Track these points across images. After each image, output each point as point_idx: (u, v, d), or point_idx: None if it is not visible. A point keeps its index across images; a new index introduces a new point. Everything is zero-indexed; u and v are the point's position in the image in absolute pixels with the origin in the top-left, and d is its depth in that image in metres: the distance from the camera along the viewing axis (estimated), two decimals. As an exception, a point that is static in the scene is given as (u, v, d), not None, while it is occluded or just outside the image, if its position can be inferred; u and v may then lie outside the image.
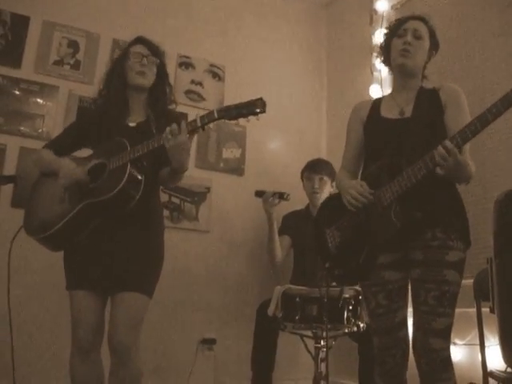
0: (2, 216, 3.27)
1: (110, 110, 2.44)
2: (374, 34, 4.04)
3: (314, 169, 3.64)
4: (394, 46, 2.32)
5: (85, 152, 2.50)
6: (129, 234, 2.30)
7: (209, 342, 3.64)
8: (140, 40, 2.53)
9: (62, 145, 2.51)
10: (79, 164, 2.37)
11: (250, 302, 3.64)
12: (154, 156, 2.28)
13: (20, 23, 3.59)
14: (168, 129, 2.14)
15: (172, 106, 2.61)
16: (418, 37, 2.27)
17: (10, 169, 3.33)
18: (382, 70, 3.79)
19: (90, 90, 3.56)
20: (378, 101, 2.46)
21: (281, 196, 3.47)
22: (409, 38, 2.26)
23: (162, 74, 2.54)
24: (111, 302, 2.28)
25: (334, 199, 2.46)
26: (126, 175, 2.19)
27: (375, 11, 4.08)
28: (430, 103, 2.24)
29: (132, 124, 2.45)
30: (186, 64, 4.04)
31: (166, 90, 2.56)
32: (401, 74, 2.33)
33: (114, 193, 2.17)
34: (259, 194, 3.52)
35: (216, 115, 2.15)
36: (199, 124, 2.16)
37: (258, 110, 2.12)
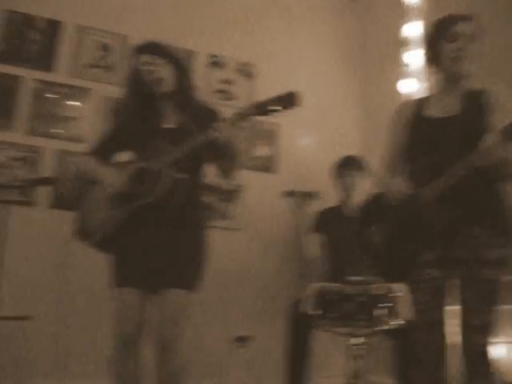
0: (41, 217, 3.36)
1: (144, 116, 2.47)
2: (404, 26, 3.97)
3: (346, 166, 3.61)
4: (444, 51, 2.24)
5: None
6: (173, 232, 2.35)
7: (242, 340, 3.66)
8: (140, 50, 2.46)
9: (103, 150, 2.56)
10: (121, 169, 2.42)
11: (283, 300, 3.63)
12: (196, 154, 2.31)
13: (52, 28, 3.68)
14: (212, 126, 2.17)
15: (198, 96, 2.59)
16: (469, 41, 2.20)
17: (46, 171, 3.42)
18: (413, 63, 3.74)
19: (122, 92, 3.64)
20: (423, 100, 2.43)
21: (310, 195, 3.46)
22: (461, 43, 2.17)
23: (178, 68, 2.49)
24: (157, 298, 2.34)
25: (375, 198, 2.45)
26: (168, 176, 2.24)
27: (405, 3, 4.01)
28: (476, 104, 2.20)
29: (168, 126, 2.47)
30: (215, 63, 4.05)
31: (188, 83, 2.53)
32: (451, 78, 2.29)
33: (157, 194, 2.23)
34: (288, 194, 3.51)
35: (248, 111, 2.16)
36: (232, 121, 2.18)
37: (292, 104, 2.11)
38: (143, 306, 2.37)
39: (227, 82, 4.05)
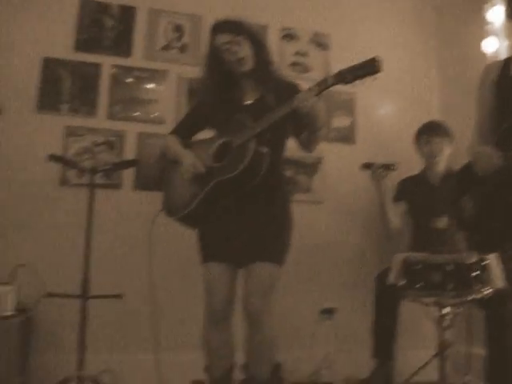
0: (126, 199, 3.50)
1: (225, 94, 2.48)
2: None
3: (432, 131, 3.49)
4: None
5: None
6: (258, 206, 2.39)
7: (328, 312, 3.66)
8: (216, 29, 2.46)
9: (186, 130, 2.63)
10: (203, 146, 2.47)
11: (368, 271, 3.60)
12: (278, 127, 2.30)
13: (127, 14, 3.75)
14: (297, 96, 2.16)
15: (276, 71, 2.57)
16: None
17: (129, 154, 3.54)
18: (496, 22, 3.54)
19: (198, 72, 3.67)
20: (509, 59, 2.31)
21: (388, 167, 3.37)
22: None
23: (256, 44, 2.48)
24: (245, 272, 2.39)
25: (467, 166, 2.36)
26: (251, 150, 2.25)
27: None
28: None
29: (249, 102, 2.48)
30: (289, 36, 4.00)
31: (267, 59, 2.52)
32: None
33: (240, 169, 2.25)
34: (366, 166, 3.44)
35: (330, 81, 2.13)
36: (315, 91, 2.15)
37: (376, 70, 2.06)
38: (231, 280, 2.43)
39: (301, 54, 4.00)
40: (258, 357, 2.41)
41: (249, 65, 2.43)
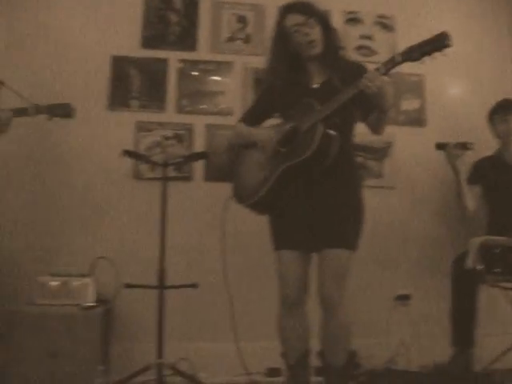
0: (197, 190, 3.58)
1: (292, 78, 2.46)
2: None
3: (507, 109, 3.35)
4: None
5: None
6: (329, 191, 2.36)
7: (403, 298, 3.61)
8: (288, 10, 2.42)
9: (254, 117, 2.62)
10: (273, 131, 2.46)
11: (443, 257, 3.52)
12: (344, 111, 2.28)
13: (191, 8, 3.81)
14: (364, 76, 2.12)
15: (344, 52, 2.53)
16: None
17: (198, 146, 3.60)
18: None
19: (263, 61, 3.68)
20: None
21: (464, 146, 3.26)
22: None
23: (326, 28, 2.43)
24: (318, 258, 2.38)
25: None
26: (319, 134, 2.22)
27: None
28: None
29: (315, 85, 2.45)
30: (353, 20, 3.94)
31: (336, 43, 2.47)
32: None
33: (309, 153, 2.23)
34: (440, 146, 3.34)
35: (398, 58, 2.08)
36: (382, 71, 2.12)
37: (445, 45, 1.99)
38: (304, 266, 2.42)
39: (366, 37, 3.93)
40: (333, 344, 2.40)
41: (319, 48, 2.39)
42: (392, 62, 2.10)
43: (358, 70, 2.31)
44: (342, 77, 2.34)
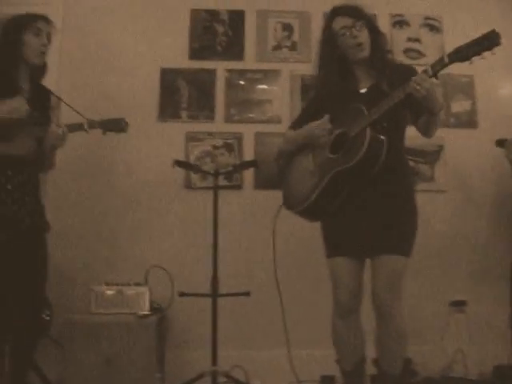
0: (247, 198, 3.62)
1: (339, 82, 2.45)
2: None
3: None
4: None
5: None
6: (382, 196, 2.34)
7: (459, 304, 3.52)
8: (336, 12, 2.42)
9: (303, 124, 2.59)
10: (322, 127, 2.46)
11: (499, 261, 3.44)
12: (393, 114, 2.26)
13: (236, 18, 3.86)
14: (412, 79, 2.09)
15: (390, 57, 2.52)
16: None
17: (248, 154, 3.64)
18: None
19: (310, 68, 3.68)
20: None
21: None
22: None
23: (373, 31, 2.42)
24: (371, 265, 2.36)
25: None
26: (368, 139, 2.21)
27: None
28: None
29: (363, 90, 2.44)
30: (400, 22, 3.90)
31: (383, 46, 2.46)
32: None
33: (358, 158, 2.21)
34: (500, 143, 3.26)
35: (447, 59, 2.04)
36: (431, 73, 2.08)
37: (493, 43, 1.94)
38: (358, 272, 2.40)
39: (414, 39, 3.88)
40: (388, 352, 2.37)
41: (366, 51, 2.38)
42: (440, 64, 2.06)
43: (408, 73, 2.28)
44: (389, 80, 2.32)
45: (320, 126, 2.42)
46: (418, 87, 2.08)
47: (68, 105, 2.73)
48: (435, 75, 2.09)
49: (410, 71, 2.34)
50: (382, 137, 2.24)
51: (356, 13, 2.39)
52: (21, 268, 2.52)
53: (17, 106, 2.46)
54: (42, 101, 2.66)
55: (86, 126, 2.66)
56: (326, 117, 2.41)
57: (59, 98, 2.77)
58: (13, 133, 2.47)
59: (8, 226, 2.47)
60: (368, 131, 2.22)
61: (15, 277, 2.51)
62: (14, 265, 2.50)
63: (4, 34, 2.54)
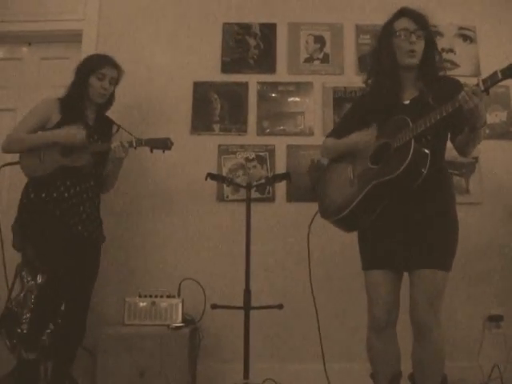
0: (280, 211, 3.60)
1: (384, 90, 2.42)
2: None
3: None
4: None
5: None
6: (421, 209, 2.30)
7: (496, 319, 3.46)
8: (404, 12, 2.39)
9: (344, 131, 2.57)
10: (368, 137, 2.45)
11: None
12: (437, 128, 2.23)
13: (268, 31, 3.88)
14: (462, 94, 2.05)
15: (442, 73, 2.48)
16: None
17: (280, 167, 3.63)
18: None
19: (342, 80, 3.71)
20: None
21: None
22: None
23: (430, 44, 2.39)
24: (410, 279, 2.32)
25: None
26: (411, 151, 2.17)
27: None
28: None
29: (407, 101, 2.41)
30: (433, 33, 3.86)
31: (435, 61, 2.42)
32: None
33: (400, 170, 2.18)
34: None
35: (500, 75, 1.97)
36: (482, 88, 2.03)
37: None
38: (395, 286, 2.37)
39: (448, 50, 3.84)
40: (425, 368, 2.30)
41: (416, 59, 2.35)
42: (493, 80, 2.00)
43: (454, 86, 2.25)
44: (434, 92, 2.29)
45: (367, 136, 2.41)
46: (468, 101, 2.04)
47: (124, 129, 3.17)
48: (486, 91, 2.04)
49: (455, 85, 2.31)
50: (426, 150, 2.21)
51: (422, 20, 2.37)
52: (84, 276, 2.95)
53: (74, 132, 2.90)
54: (104, 128, 3.13)
55: (134, 145, 2.96)
56: (374, 128, 2.40)
57: (118, 126, 3.19)
58: (72, 150, 2.91)
59: (82, 239, 2.94)
60: (413, 143, 2.20)
61: (81, 285, 2.91)
62: (80, 272, 2.88)
63: (77, 73, 3.05)
